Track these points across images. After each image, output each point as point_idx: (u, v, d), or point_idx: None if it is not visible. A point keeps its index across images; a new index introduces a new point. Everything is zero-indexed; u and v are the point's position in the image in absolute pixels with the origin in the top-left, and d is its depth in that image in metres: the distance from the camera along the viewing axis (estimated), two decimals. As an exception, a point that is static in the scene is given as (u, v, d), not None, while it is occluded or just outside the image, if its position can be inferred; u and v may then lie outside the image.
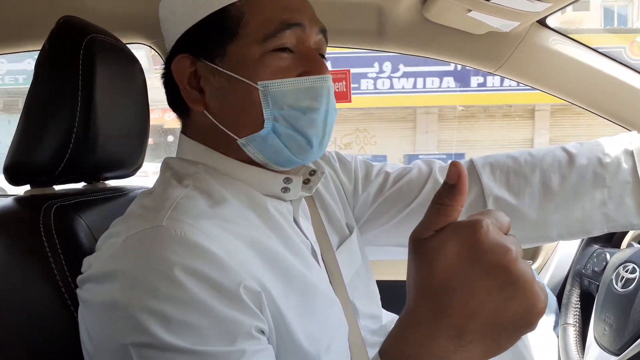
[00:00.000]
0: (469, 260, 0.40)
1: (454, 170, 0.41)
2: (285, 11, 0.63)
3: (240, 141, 0.64)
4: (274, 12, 0.62)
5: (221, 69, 0.63)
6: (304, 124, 0.63)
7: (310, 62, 0.64)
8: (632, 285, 0.88)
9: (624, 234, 1.15)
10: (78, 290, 0.57)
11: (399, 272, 1.36)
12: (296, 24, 0.63)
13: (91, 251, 0.60)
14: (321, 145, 0.66)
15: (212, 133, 0.66)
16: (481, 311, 0.40)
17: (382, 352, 0.45)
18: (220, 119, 0.65)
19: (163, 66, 0.71)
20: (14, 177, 0.73)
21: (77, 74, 0.71)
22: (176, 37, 0.67)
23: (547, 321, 1.06)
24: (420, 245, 0.42)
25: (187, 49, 0.65)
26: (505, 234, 0.42)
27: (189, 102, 0.66)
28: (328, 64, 0.71)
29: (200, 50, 0.64)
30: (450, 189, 0.41)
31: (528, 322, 0.40)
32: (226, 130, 0.64)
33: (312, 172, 0.73)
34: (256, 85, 0.62)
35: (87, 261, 0.58)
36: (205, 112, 0.65)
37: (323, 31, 0.67)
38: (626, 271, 0.91)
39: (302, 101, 0.63)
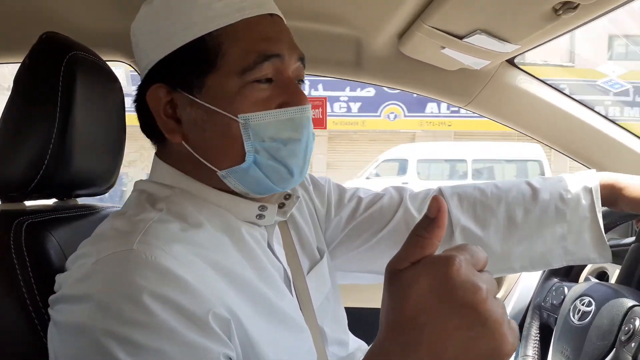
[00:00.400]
0: (439, 296, 0.40)
1: (435, 204, 0.42)
2: (263, 42, 0.62)
3: (220, 173, 0.64)
4: (251, 43, 0.62)
5: (199, 101, 0.62)
6: (285, 154, 0.63)
7: (290, 93, 0.63)
8: (588, 318, 0.91)
9: (582, 268, 1.20)
10: (50, 310, 0.56)
11: (364, 299, 1.37)
12: (275, 55, 0.63)
13: (61, 269, 0.60)
14: (301, 173, 0.67)
15: (190, 162, 0.65)
16: (448, 348, 0.39)
17: None
18: (199, 151, 0.64)
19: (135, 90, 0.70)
20: None
21: (57, 91, 0.71)
22: (150, 64, 0.65)
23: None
24: (395, 277, 0.42)
25: (162, 78, 0.64)
26: (481, 270, 0.42)
27: (166, 133, 0.65)
28: (306, 88, 0.72)
29: (176, 81, 0.63)
30: (429, 222, 0.42)
31: None
32: (206, 163, 0.64)
33: (287, 197, 0.74)
34: (236, 119, 0.61)
35: (58, 279, 0.58)
36: (183, 142, 0.64)
37: (301, 58, 0.67)
38: (582, 304, 0.95)
39: (283, 132, 0.63)
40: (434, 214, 0.41)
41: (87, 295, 0.51)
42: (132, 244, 0.54)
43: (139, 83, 0.68)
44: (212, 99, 0.62)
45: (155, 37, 0.64)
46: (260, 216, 0.68)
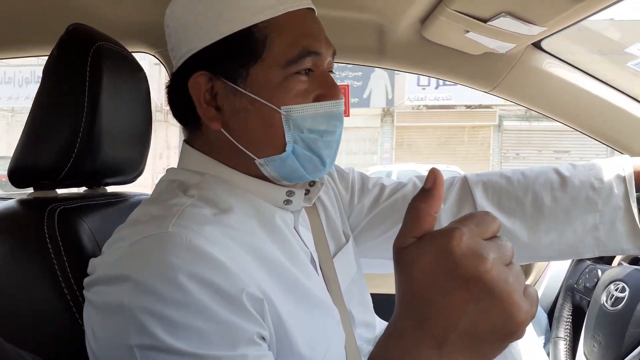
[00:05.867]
0: (443, 271, 0.39)
1: (431, 176, 0.42)
2: (307, 37, 0.64)
3: (258, 161, 0.65)
4: (296, 38, 0.63)
5: (243, 91, 0.63)
6: (321, 145, 0.66)
7: (326, 87, 0.65)
8: (622, 304, 0.89)
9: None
10: (85, 292, 0.58)
11: (389, 285, 1.36)
12: (315, 53, 0.64)
13: (93, 254, 0.61)
14: (331, 164, 0.69)
15: (226, 150, 0.66)
16: (459, 322, 0.39)
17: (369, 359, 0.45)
18: (239, 139, 0.65)
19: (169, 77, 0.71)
20: (18, 180, 0.74)
21: (84, 80, 0.72)
22: (189, 52, 0.65)
23: (537, 339, 1.07)
24: (400, 255, 0.42)
25: (203, 65, 0.64)
26: (491, 237, 0.41)
27: (206, 120, 0.65)
28: None
29: (220, 69, 0.64)
30: (426, 194, 0.41)
31: (509, 333, 0.39)
32: (245, 150, 0.65)
33: (312, 183, 0.74)
34: (279, 110, 0.63)
35: (92, 263, 0.59)
36: (222, 130, 0.65)
37: (334, 53, 0.69)
38: (616, 290, 0.93)
39: (320, 125, 0.65)
40: (429, 185, 0.41)
41: (125, 275, 0.53)
42: (167, 227, 0.55)
43: (173, 71, 0.69)
44: (255, 89, 0.63)
45: (198, 25, 0.64)
46: (287, 202, 0.68)
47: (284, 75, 0.63)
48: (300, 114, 0.63)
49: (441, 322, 0.39)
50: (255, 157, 0.65)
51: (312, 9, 0.69)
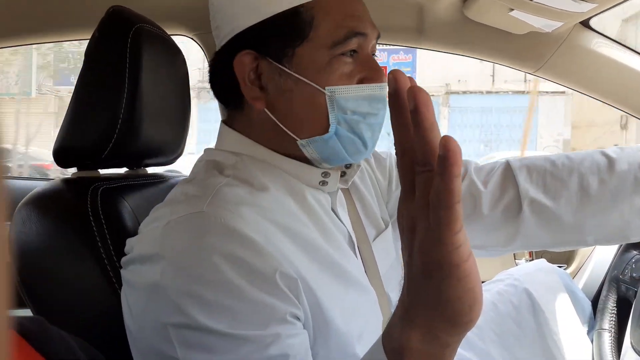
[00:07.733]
0: None
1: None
2: (353, 19, 0.64)
3: (300, 142, 0.65)
4: (343, 19, 0.63)
5: (289, 71, 0.63)
6: (364, 127, 0.65)
7: (371, 69, 0.65)
8: (672, 294, 0.86)
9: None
10: (122, 271, 0.59)
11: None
12: (361, 34, 0.64)
13: (134, 233, 0.63)
14: (373, 146, 0.68)
15: (267, 130, 0.66)
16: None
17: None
18: (282, 119, 0.65)
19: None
20: (62, 160, 0.76)
21: (125, 62, 0.73)
22: (234, 31, 0.65)
23: (581, 327, 1.05)
24: None
25: (249, 44, 0.64)
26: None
27: (250, 99, 0.65)
28: None
29: (266, 49, 0.64)
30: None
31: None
32: (287, 131, 0.65)
33: (348, 165, 0.73)
34: (323, 90, 0.63)
35: (129, 243, 0.61)
36: (265, 110, 0.65)
37: (378, 36, 0.68)
38: (666, 279, 0.89)
39: (363, 107, 0.64)
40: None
41: (160, 255, 0.54)
42: (202, 207, 0.56)
43: (218, 49, 0.69)
44: (301, 70, 0.63)
45: (244, 3, 0.64)
46: (323, 183, 0.68)
47: (330, 57, 0.63)
48: (344, 95, 0.63)
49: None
50: (297, 138, 0.65)
51: None
